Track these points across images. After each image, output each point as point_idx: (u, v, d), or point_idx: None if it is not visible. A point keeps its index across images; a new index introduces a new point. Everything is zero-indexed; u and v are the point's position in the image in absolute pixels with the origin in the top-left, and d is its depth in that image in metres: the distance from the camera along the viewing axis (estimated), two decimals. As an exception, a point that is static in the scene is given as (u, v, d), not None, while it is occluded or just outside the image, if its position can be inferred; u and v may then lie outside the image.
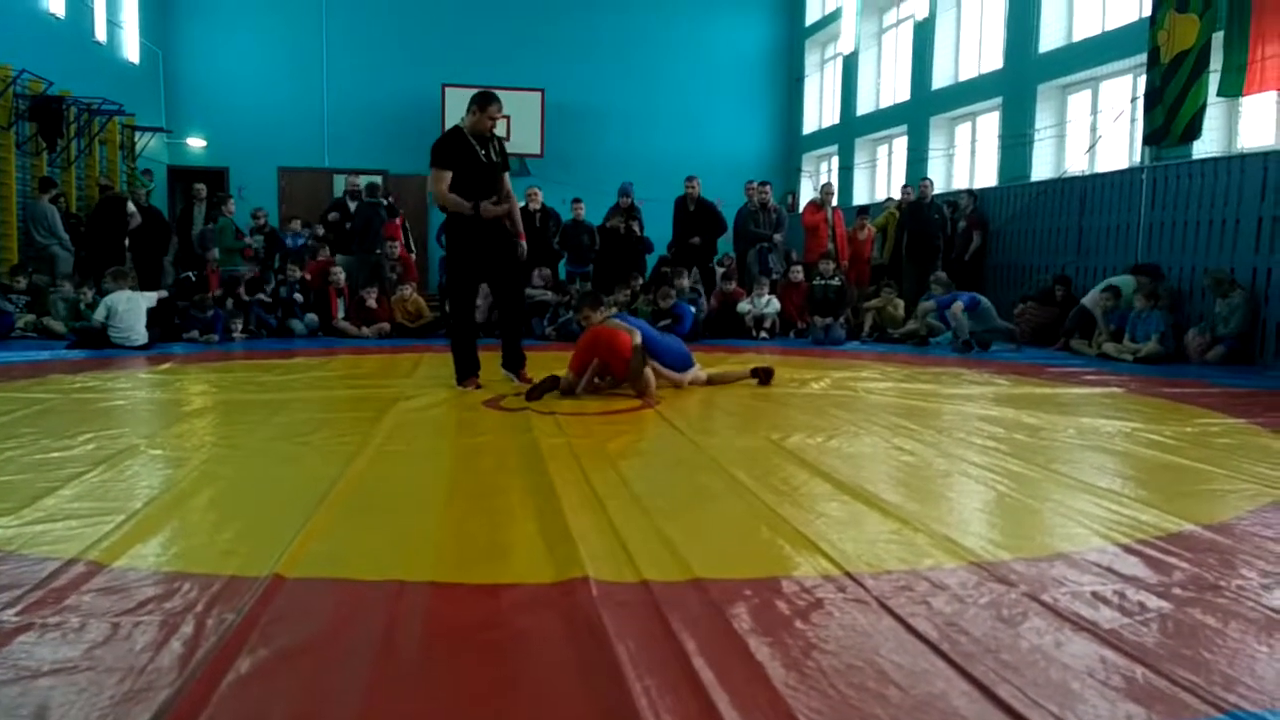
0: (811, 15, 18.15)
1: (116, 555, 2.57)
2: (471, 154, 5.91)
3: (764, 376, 6.43)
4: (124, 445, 4.08)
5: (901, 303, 10.88)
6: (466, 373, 6.10)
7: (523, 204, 6.32)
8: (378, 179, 13.10)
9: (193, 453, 4.00)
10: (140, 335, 8.73)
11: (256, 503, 3.33)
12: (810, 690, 1.82)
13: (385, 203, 11.95)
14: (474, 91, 6.15)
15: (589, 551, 2.61)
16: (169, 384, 6.52)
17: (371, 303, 10.67)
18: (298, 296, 10.60)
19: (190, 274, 11.12)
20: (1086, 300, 9.58)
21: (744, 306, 10.83)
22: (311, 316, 10.59)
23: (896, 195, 13.01)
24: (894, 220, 12.18)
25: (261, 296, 10.50)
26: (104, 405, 5.37)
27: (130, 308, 8.76)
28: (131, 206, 11.16)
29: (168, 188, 16.29)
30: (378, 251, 11.43)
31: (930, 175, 13.79)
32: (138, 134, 14.53)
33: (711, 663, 1.92)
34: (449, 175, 5.87)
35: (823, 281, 10.86)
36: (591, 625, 2.11)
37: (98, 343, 8.55)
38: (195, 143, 16.68)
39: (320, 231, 12.07)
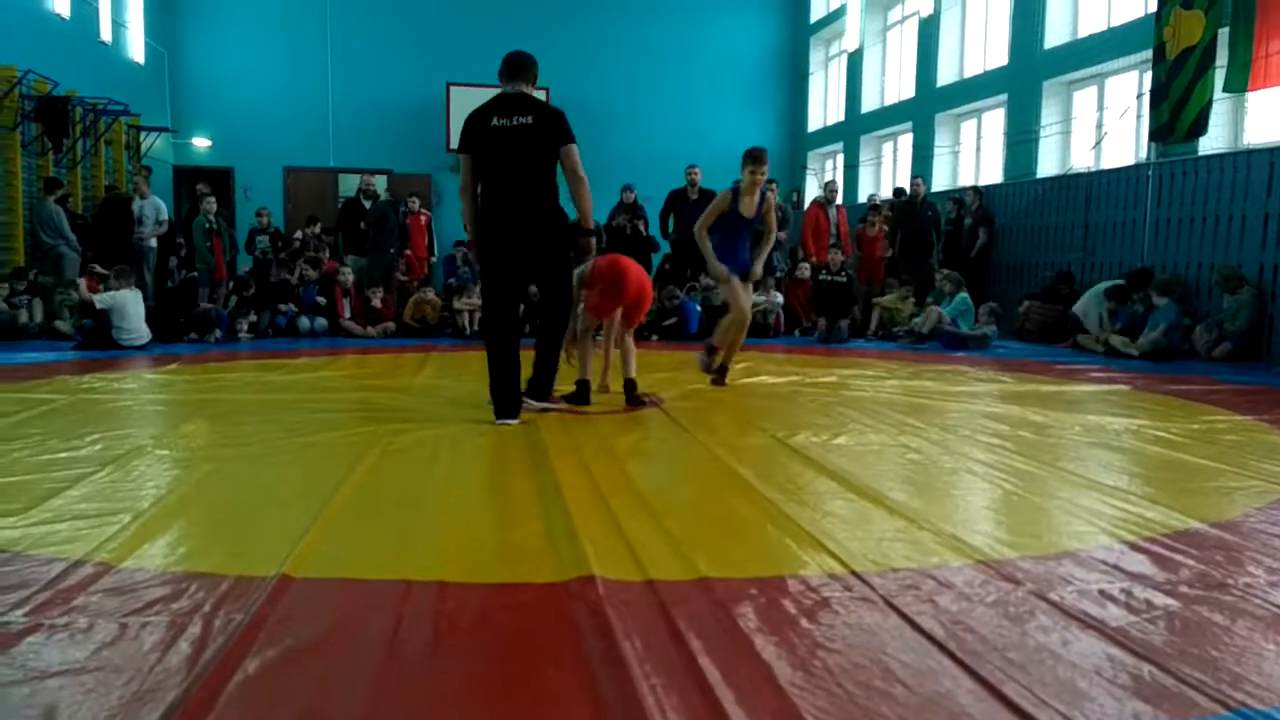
0: (816, 12, 18.11)
1: (124, 556, 2.58)
2: None
3: (719, 373, 6.43)
4: (131, 446, 4.09)
5: (911, 300, 10.86)
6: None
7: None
8: (384, 178, 13.13)
9: (199, 453, 4.01)
10: (145, 334, 8.77)
11: (263, 503, 3.33)
12: (816, 689, 1.82)
13: (401, 202, 12.07)
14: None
15: (595, 551, 2.61)
16: (175, 384, 6.54)
17: (376, 302, 10.67)
18: (320, 300, 10.56)
19: (194, 273, 11.14)
20: (1076, 308, 9.58)
21: (757, 299, 10.82)
22: (321, 320, 10.59)
23: (886, 195, 12.99)
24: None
25: (282, 307, 10.48)
26: (111, 406, 5.38)
27: (135, 309, 8.79)
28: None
29: (173, 188, 16.30)
30: (390, 251, 11.43)
31: (936, 172, 13.72)
32: (143, 134, 14.56)
33: (718, 661, 1.92)
34: None
35: (829, 278, 10.84)
36: (598, 624, 2.12)
37: (103, 344, 8.58)
38: (200, 143, 16.70)
39: (318, 231, 12.19)
